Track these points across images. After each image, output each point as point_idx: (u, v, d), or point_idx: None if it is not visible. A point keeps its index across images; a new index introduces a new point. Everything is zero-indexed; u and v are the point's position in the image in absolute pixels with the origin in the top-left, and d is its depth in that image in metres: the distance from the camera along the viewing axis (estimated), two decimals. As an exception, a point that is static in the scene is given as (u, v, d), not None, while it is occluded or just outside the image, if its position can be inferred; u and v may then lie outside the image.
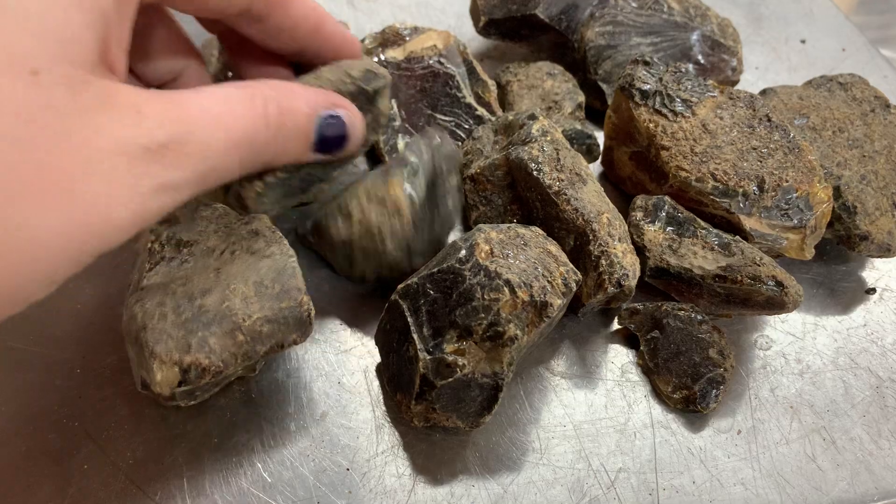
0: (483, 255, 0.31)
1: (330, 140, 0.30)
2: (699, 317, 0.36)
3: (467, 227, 0.40)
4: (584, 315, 0.37)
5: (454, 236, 0.38)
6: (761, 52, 0.52)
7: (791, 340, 0.38)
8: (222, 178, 0.26)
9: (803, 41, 0.53)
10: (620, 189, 0.43)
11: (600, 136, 0.43)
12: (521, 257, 0.32)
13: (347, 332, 0.37)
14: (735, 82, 0.46)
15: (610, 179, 0.44)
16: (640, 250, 0.37)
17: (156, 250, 0.30)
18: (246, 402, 0.33)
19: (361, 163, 0.43)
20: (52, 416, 0.32)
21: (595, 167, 0.44)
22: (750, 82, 0.50)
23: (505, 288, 0.30)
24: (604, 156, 0.43)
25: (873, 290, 0.40)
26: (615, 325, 0.38)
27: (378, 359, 0.35)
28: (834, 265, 0.41)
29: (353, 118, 0.31)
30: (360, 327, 0.37)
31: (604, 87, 0.45)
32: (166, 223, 0.31)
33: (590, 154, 0.42)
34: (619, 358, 0.37)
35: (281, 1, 0.30)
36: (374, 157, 0.43)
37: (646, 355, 0.36)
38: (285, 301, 0.31)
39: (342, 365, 0.35)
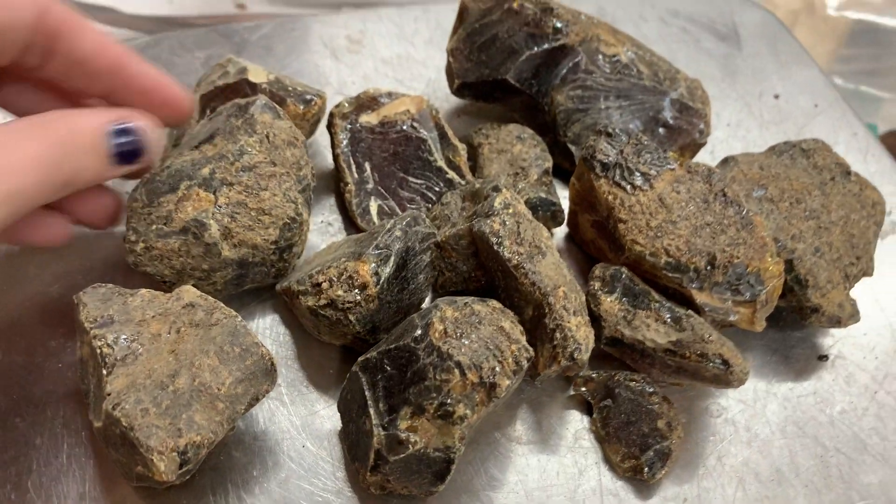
0: (437, 335, 0.33)
1: (126, 152, 0.32)
2: (650, 388, 0.38)
3: (434, 289, 0.42)
4: (540, 382, 0.39)
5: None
6: (734, 107, 0.53)
7: (742, 408, 0.39)
8: (27, 201, 0.28)
9: (777, 96, 0.54)
10: (585, 251, 0.45)
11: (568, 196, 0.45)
12: (473, 336, 0.34)
13: (314, 395, 0.38)
14: (702, 144, 0.47)
15: (575, 241, 0.45)
16: (597, 319, 0.39)
17: (107, 354, 0.32)
18: (214, 466, 0.35)
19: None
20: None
21: (562, 228, 0.46)
22: (720, 139, 0.51)
23: (455, 370, 0.32)
24: (569, 218, 0.45)
25: (826, 357, 0.42)
26: (571, 391, 0.39)
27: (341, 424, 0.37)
28: (789, 331, 0.42)
29: (147, 129, 0.33)
30: (327, 390, 0.39)
31: (573, 148, 0.46)
32: (106, 326, 0.33)
33: (554, 219, 0.44)
34: (573, 424, 0.38)
35: (65, 32, 0.32)
36: (349, 219, 0.44)
37: (598, 423, 0.38)
38: (249, 358, 0.33)
39: (307, 428, 0.37)
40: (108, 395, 0.32)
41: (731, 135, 0.51)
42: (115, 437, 0.31)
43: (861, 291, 0.44)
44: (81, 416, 0.36)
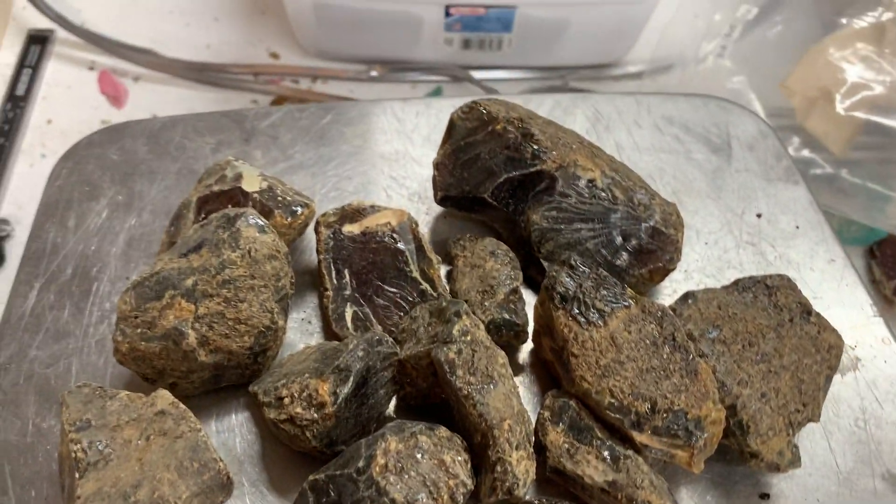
0: (378, 468, 0.36)
1: None
2: (585, 520, 0.40)
3: (397, 402, 0.44)
4: (482, 506, 0.41)
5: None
6: (715, 224, 0.55)
7: (677, 543, 0.41)
8: None
9: (759, 215, 0.55)
10: (546, 368, 0.47)
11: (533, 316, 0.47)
12: (412, 472, 0.36)
13: (272, 498, 0.41)
14: (671, 270, 0.49)
15: (539, 357, 0.48)
16: (543, 449, 0.41)
17: (80, 458, 0.35)
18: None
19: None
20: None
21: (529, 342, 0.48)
22: (694, 260, 0.53)
23: (390, 506, 0.35)
24: (534, 336, 0.47)
25: (767, 496, 0.43)
26: (514, 514, 0.41)
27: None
28: (733, 466, 0.44)
29: None
30: (287, 493, 0.41)
31: (546, 265, 0.49)
32: (83, 430, 0.36)
33: (518, 339, 0.46)
34: (512, 546, 0.41)
35: None
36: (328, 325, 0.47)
37: (534, 549, 0.40)
38: (206, 473, 0.37)
39: (263, 533, 0.40)
40: (78, 497, 0.35)
41: (706, 254, 0.53)
42: None
43: (813, 430, 0.46)
44: (62, 499, 0.40)
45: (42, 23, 0.91)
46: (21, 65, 0.89)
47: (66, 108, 0.88)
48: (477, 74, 0.93)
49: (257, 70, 0.94)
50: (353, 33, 0.90)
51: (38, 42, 0.91)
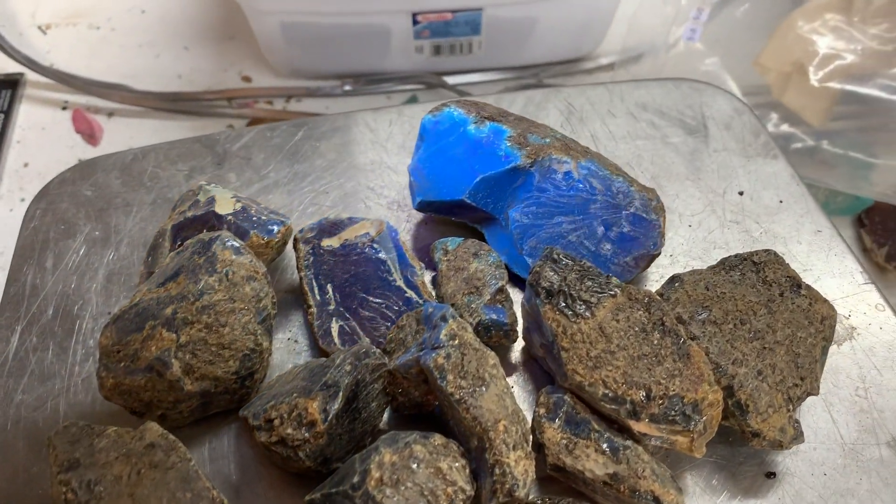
0: (373, 482, 0.35)
1: None
2: (590, 516, 0.39)
3: (391, 413, 0.44)
4: (485, 510, 0.40)
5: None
6: (697, 206, 0.54)
7: (685, 530, 0.41)
8: None
9: (741, 193, 0.55)
10: (540, 365, 0.46)
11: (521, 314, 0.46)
12: (408, 483, 0.35)
13: (271, 521, 0.41)
14: (656, 255, 0.48)
15: (531, 354, 0.47)
16: (541, 447, 0.40)
17: (70, 499, 0.35)
18: None
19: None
20: None
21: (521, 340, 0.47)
22: (679, 243, 0.52)
23: (387, 519, 0.34)
24: (524, 333, 0.46)
25: (773, 475, 0.43)
26: (518, 515, 0.41)
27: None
28: (737, 447, 0.43)
29: None
30: (284, 515, 0.41)
31: (529, 261, 0.48)
32: (72, 470, 0.36)
33: (508, 338, 0.45)
34: (519, 549, 0.40)
35: None
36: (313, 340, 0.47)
37: (542, 549, 0.39)
38: (199, 502, 0.36)
39: (264, 556, 0.39)
40: None
41: (691, 236, 0.52)
42: None
43: (814, 404, 0.45)
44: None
45: (11, 66, 0.91)
46: (-7, 111, 0.89)
47: (41, 149, 0.87)
48: (451, 80, 0.93)
49: (230, 95, 0.94)
50: (322, 49, 0.89)
51: (8, 86, 0.91)
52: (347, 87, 0.93)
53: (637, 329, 0.41)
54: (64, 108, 0.92)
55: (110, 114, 0.92)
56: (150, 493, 0.36)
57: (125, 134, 0.89)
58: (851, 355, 0.47)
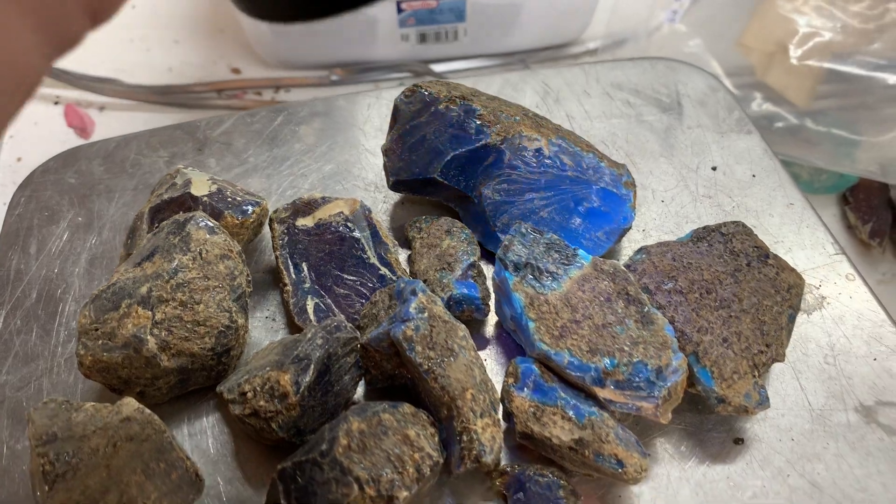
0: (341, 449, 0.36)
1: None
2: (559, 482, 0.40)
3: (365, 387, 0.45)
4: (455, 478, 0.41)
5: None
6: (670, 182, 0.55)
7: (654, 495, 0.41)
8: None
9: (714, 168, 0.56)
10: (512, 339, 0.47)
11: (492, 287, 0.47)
12: (376, 450, 0.36)
13: (250, 492, 0.41)
14: (627, 229, 0.49)
15: (504, 328, 0.48)
16: (510, 416, 0.41)
17: (48, 471, 0.36)
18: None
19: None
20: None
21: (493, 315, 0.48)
22: (652, 217, 0.53)
23: (354, 484, 0.35)
24: (496, 308, 0.47)
25: (741, 441, 0.43)
26: (489, 482, 0.42)
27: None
28: (705, 414, 0.44)
29: None
30: (262, 486, 0.42)
31: (502, 238, 0.49)
32: (50, 443, 0.37)
33: (479, 312, 0.46)
34: (490, 515, 0.41)
35: None
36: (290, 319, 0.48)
37: (511, 515, 0.40)
38: (173, 472, 0.37)
39: (240, 527, 0.40)
40: None
41: (663, 211, 0.53)
42: None
43: (782, 371, 0.46)
44: (39, 518, 0.40)
45: (2, 63, 0.92)
46: (-15, 107, 0.90)
47: (34, 144, 0.88)
48: (437, 67, 0.94)
49: (220, 86, 0.94)
50: (309, 40, 0.90)
51: (0, 83, 0.92)
52: (335, 78, 0.94)
53: (602, 298, 0.42)
54: (56, 103, 0.93)
55: (102, 108, 0.93)
56: (125, 465, 0.37)
57: (116, 127, 0.90)
58: (821, 324, 0.48)
